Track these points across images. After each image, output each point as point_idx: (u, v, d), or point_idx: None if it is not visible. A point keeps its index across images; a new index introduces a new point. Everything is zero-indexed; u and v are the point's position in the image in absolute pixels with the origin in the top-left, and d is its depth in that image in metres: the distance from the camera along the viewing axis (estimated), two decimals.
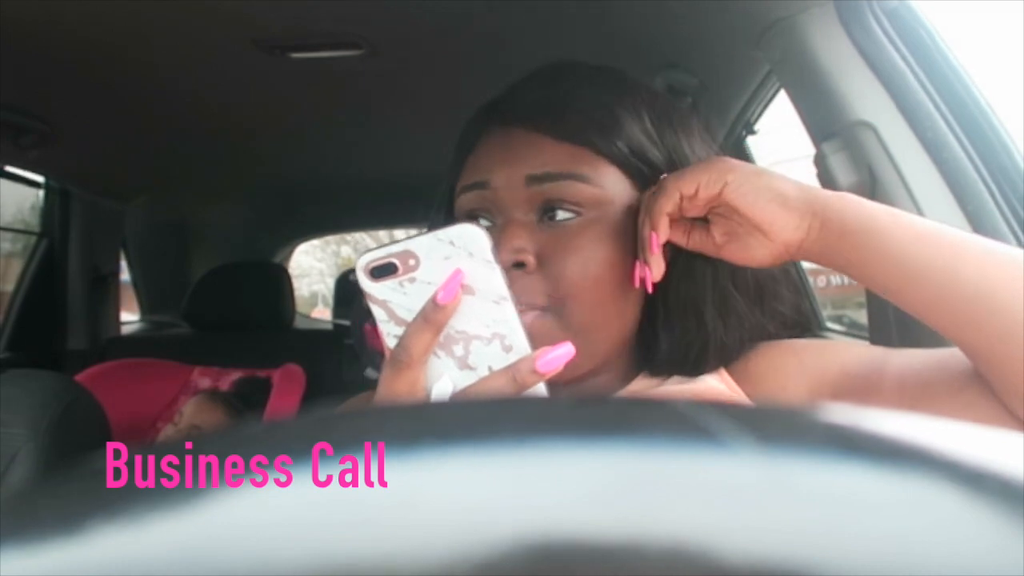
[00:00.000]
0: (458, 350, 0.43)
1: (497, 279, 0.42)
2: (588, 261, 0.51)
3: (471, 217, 0.54)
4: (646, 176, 0.54)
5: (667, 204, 0.48)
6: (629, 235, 0.53)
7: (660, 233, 0.48)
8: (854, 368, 0.52)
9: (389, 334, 0.44)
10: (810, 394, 0.53)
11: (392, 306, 0.43)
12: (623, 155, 0.53)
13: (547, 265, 0.51)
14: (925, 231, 0.46)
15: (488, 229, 0.51)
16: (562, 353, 0.42)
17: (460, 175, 0.57)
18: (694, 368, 0.56)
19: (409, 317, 0.43)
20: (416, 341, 0.42)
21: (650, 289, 0.50)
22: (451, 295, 0.42)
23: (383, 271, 0.43)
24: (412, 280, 0.43)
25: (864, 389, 0.51)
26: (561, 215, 0.52)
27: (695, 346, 0.55)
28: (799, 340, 0.58)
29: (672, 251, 0.53)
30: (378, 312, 0.44)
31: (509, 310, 0.43)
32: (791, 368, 0.55)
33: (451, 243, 0.42)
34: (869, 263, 0.47)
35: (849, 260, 0.47)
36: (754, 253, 0.49)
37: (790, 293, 0.60)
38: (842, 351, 0.55)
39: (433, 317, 0.42)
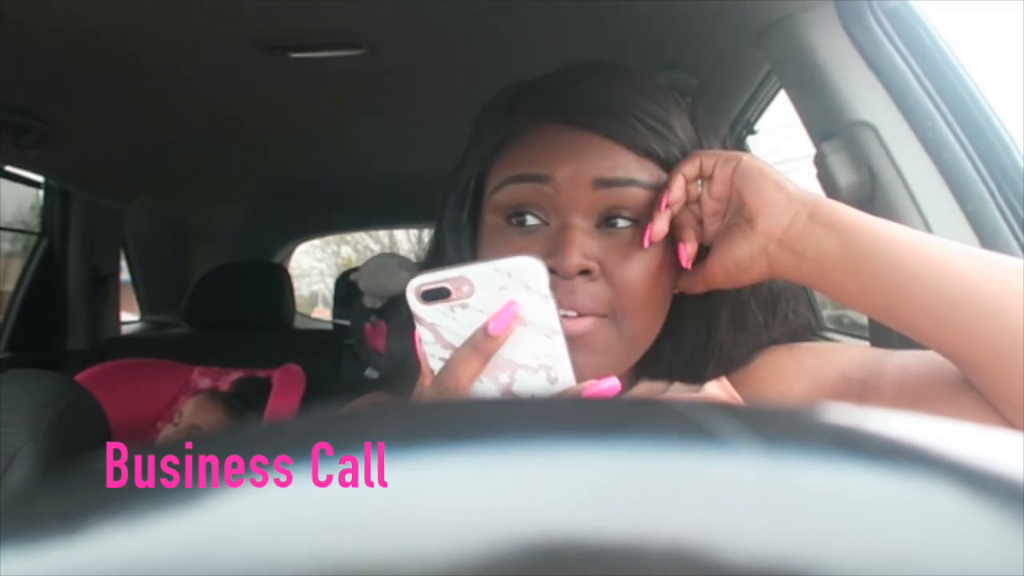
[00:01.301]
0: (503, 377, 0.44)
1: (551, 313, 0.43)
2: (647, 271, 0.51)
3: (516, 211, 0.52)
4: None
5: (687, 167, 0.50)
6: (674, 244, 0.52)
7: (673, 190, 0.49)
8: (852, 371, 0.52)
9: (433, 356, 0.45)
10: (809, 397, 0.53)
11: (440, 329, 0.44)
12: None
13: (609, 274, 0.51)
14: (914, 234, 0.47)
15: (540, 229, 0.51)
16: (607, 387, 0.43)
17: (497, 165, 0.54)
18: (696, 376, 0.56)
19: (457, 342, 0.43)
20: (464, 367, 0.43)
21: (646, 244, 0.50)
22: (504, 326, 0.42)
23: (435, 295, 0.44)
24: (464, 306, 0.43)
25: (862, 392, 0.51)
26: (620, 223, 0.51)
27: (700, 355, 0.55)
28: (798, 343, 0.58)
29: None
30: (425, 334, 0.44)
31: (559, 344, 0.43)
32: (790, 372, 0.55)
33: (508, 274, 0.42)
34: (853, 264, 0.46)
35: (832, 262, 0.47)
36: (735, 250, 0.49)
37: (805, 310, 0.60)
38: (840, 354, 0.55)
39: (483, 346, 0.42)
